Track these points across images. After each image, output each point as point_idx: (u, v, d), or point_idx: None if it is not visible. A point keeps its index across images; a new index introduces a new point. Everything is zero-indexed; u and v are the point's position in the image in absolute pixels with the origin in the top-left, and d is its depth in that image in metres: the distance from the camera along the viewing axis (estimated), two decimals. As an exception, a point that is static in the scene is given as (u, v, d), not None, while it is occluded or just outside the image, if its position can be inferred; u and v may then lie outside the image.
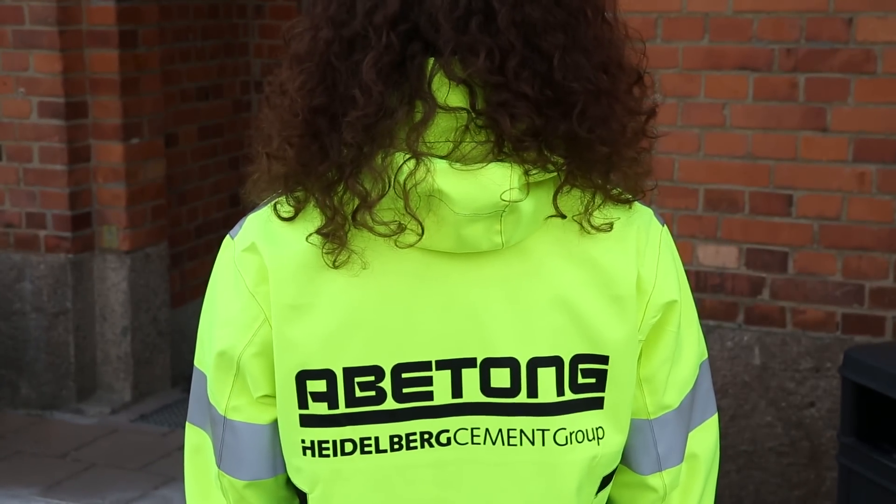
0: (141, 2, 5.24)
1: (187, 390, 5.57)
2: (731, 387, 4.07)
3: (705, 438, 1.43)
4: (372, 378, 1.29)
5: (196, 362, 1.43)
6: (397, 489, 1.32)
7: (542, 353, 1.29)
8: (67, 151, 5.12)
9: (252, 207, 1.39)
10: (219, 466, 1.40)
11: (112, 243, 5.28)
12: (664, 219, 1.42)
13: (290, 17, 6.24)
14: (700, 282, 4.06)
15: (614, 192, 1.33)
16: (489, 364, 1.29)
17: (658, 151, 4.07)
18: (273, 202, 1.33)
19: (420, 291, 1.29)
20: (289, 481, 1.40)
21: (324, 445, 1.31)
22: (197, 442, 1.44)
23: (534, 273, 1.29)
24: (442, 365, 1.29)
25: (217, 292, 1.39)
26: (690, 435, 1.42)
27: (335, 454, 1.31)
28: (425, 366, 1.29)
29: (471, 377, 1.29)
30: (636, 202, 1.38)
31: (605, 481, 1.38)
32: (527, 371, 1.29)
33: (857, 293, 3.90)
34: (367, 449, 1.30)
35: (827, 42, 3.83)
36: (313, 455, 1.32)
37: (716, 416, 1.45)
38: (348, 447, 1.31)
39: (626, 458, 1.40)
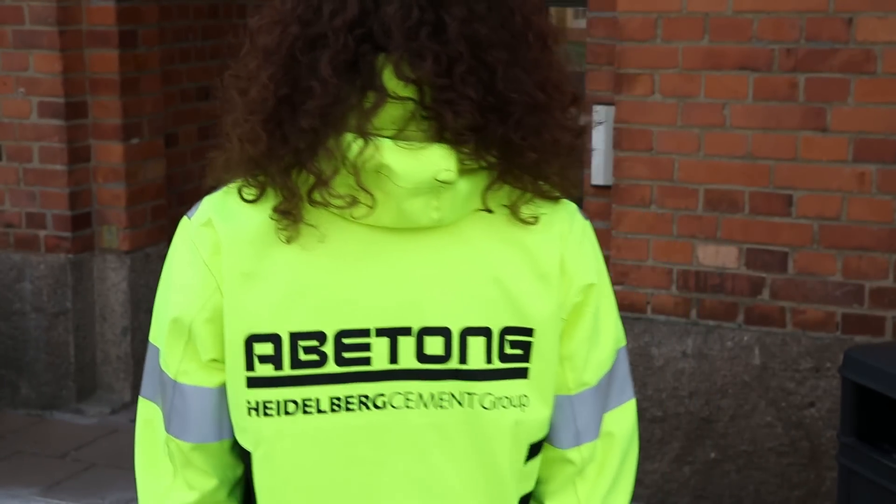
0: (141, 2, 5.24)
1: (187, 390, 5.33)
2: (731, 387, 4.07)
3: (622, 420, 1.53)
4: (315, 343, 1.38)
5: (150, 338, 1.50)
6: (336, 448, 1.41)
7: (472, 323, 1.40)
8: (67, 151, 5.12)
9: (211, 191, 1.48)
10: (167, 431, 1.48)
11: (112, 243, 5.28)
12: (586, 215, 1.55)
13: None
14: (700, 282, 4.06)
15: (545, 188, 1.44)
16: (424, 333, 1.39)
17: (658, 151, 4.08)
18: (234, 186, 1.43)
19: (363, 264, 1.39)
20: (233, 447, 1.48)
21: (268, 405, 1.39)
22: (148, 415, 1.52)
23: (467, 251, 1.40)
24: (381, 332, 1.39)
25: (173, 268, 1.46)
26: (608, 415, 1.52)
27: (279, 414, 1.39)
28: (365, 333, 1.39)
29: (407, 345, 1.39)
30: (563, 199, 1.49)
31: (534, 451, 1.48)
32: (458, 340, 1.40)
33: (857, 293, 3.90)
34: (308, 409, 1.39)
35: (827, 42, 3.83)
36: (258, 415, 1.40)
37: (633, 402, 1.56)
38: (291, 407, 1.39)
39: (548, 435, 1.49)
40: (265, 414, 1.40)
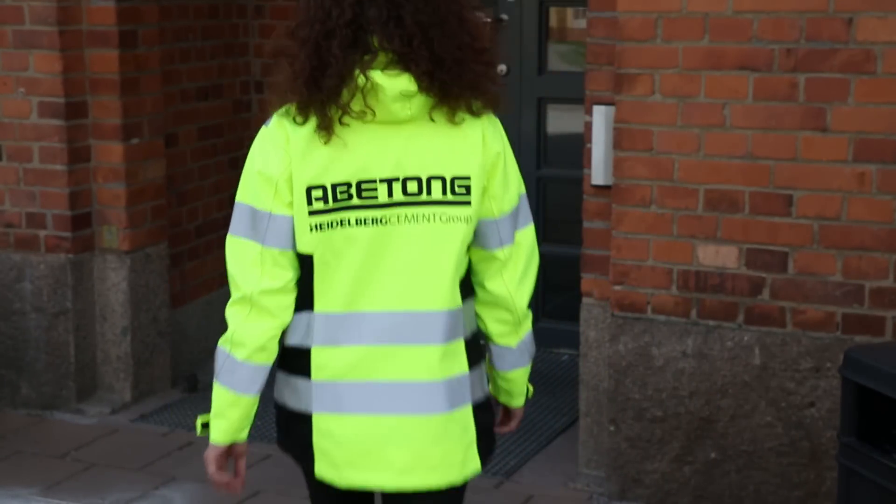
0: (141, 2, 5.24)
1: (187, 390, 5.62)
2: (731, 387, 4.07)
3: (525, 236, 2.62)
4: (346, 188, 2.46)
5: (238, 199, 2.53)
6: (361, 246, 2.47)
7: (434, 173, 2.48)
8: (67, 151, 5.12)
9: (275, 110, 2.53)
10: (264, 244, 2.49)
11: (112, 243, 5.28)
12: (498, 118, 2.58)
13: (289, 17, 6.24)
14: (700, 282, 4.07)
15: (474, 107, 2.50)
16: (406, 179, 2.47)
17: (658, 151, 4.08)
18: (286, 110, 2.49)
19: (371, 144, 2.46)
20: (296, 257, 2.51)
21: (321, 225, 2.46)
22: (239, 244, 2.53)
23: (429, 135, 2.48)
24: (381, 181, 2.46)
25: (259, 151, 2.51)
26: (518, 232, 2.60)
27: (327, 229, 2.47)
28: (373, 181, 2.46)
29: (397, 187, 2.46)
30: (485, 114, 2.53)
31: (467, 249, 2.56)
32: (426, 183, 2.47)
33: (857, 293, 3.90)
34: (343, 225, 2.46)
35: (827, 42, 3.83)
36: (316, 231, 2.47)
37: (532, 226, 2.64)
38: (334, 225, 2.46)
39: (484, 243, 2.57)
40: (319, 230, 2.46)
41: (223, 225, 6.07)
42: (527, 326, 2.70)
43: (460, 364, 2.56)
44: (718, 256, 4.05)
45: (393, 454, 2.52)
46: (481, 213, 2.53)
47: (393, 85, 2.40)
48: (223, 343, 2.54)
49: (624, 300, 4.18)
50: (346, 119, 2.42)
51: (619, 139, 4.13)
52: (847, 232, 3.88)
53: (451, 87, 2.44)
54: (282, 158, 2.45)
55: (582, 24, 5.82)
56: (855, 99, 3.82)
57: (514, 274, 2.61)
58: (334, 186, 2.45)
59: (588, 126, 4.35)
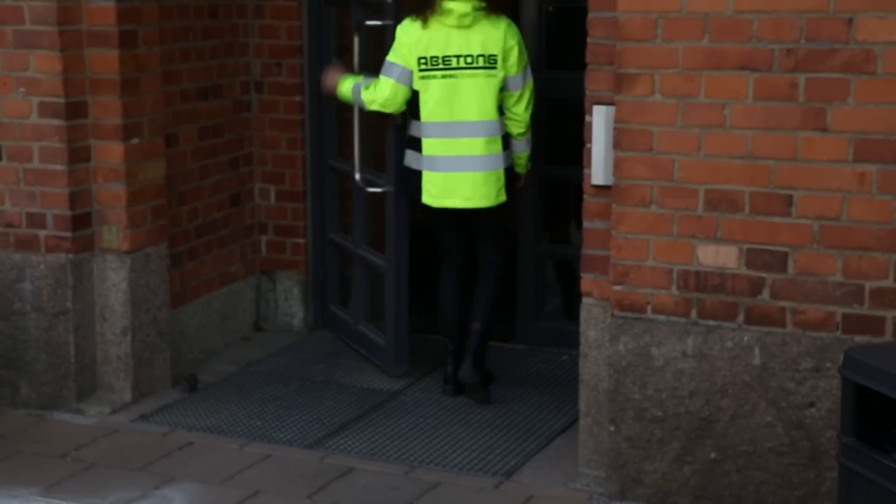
0: (141, 2, 5.24)
1: (187, 390, 5.63)
2: (731, 387, 4.07)
3: (528, 85, 5.29)
4: (439, 59, 5.18)
5: (388, 59, 5.25)
6: (446, 89, 5.20)
7: (479, 52, 5.17)
8: (67, 151, 5.12)
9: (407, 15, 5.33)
10: (397, 81, 5.22)
11: (112, 243, 5.28)
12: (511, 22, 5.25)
13: (290, 17, 6.25)
14: (700, 282, 4.07)
15: (494, 16, 5.22)
16: (467, 56, 5.18)
17: (658, 151, 4.08)
18: (411, 17, 5.25)
19: (447, 37, 5.18)
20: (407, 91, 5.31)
21: (425, 76, 5.19)
22: (382, 81, 5.26)
23: (478, 31, 5.18)
24: (455, 55, 5.17)
25: (398, 34, 5.25)
26: (525, 83, 5.27)
27: (429, 79, 5.19)
28: (450, 56, 5.18)
29: (462, 59, 5.17)
30: (503, 17, 5.24)
31: (501, 91, 5.28)
32: (476, 57, 5.17)
33: (857, 293, 3.90)
34: (436, 77, 5.19)
35: (827, 42, 3.83)
36: (423, 80, 5.19)
37: (531, 81, 5.32)
38: (431, 77, 5.19)
39: (507, 87, 5.25)
40: (424, 79, 5.19)
41: (223, 225, 6.08)
42: (528, 131, 5.32)
43: (497, 147, 5.24)
44: (718, 256, 4.05)
45: (460, 190, 5.20)
46: (504, 73, 5.15)
47: (457, 7, 5.09)
48: (363, 96, 5.34)
49: (624, 300, 4.18)
50: (436, 22, 5.12)
51: (619, 139, 4.13)
52: (847, 232, 3.88)
53: (486, 7, 5.12)
54: (407, 40, 5.16)
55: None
56: (855, 99, 3.82)
57: (523, 103, 5.25)
58: (433, 58, 5.14)
59: (588, 126, 4.35)
